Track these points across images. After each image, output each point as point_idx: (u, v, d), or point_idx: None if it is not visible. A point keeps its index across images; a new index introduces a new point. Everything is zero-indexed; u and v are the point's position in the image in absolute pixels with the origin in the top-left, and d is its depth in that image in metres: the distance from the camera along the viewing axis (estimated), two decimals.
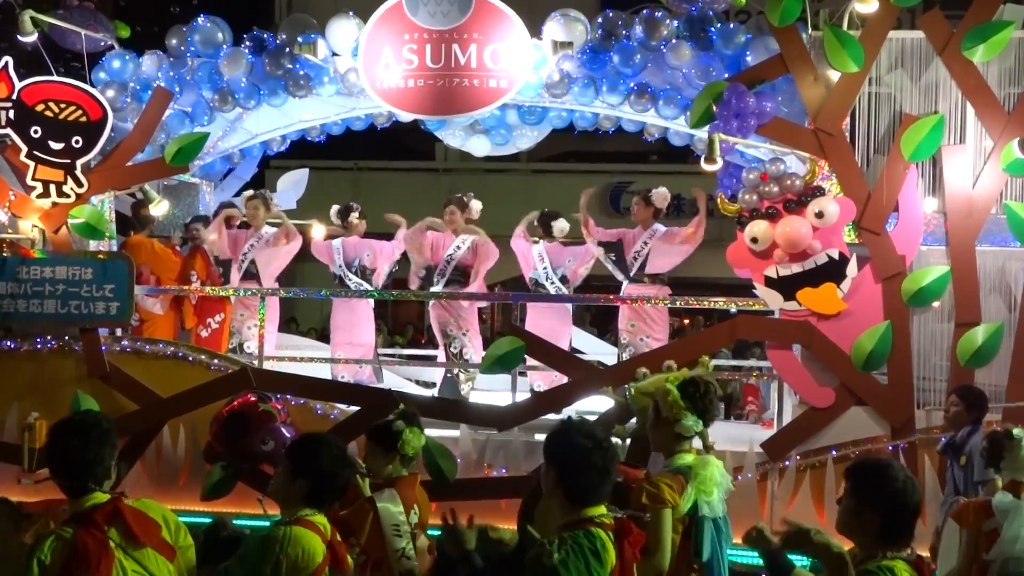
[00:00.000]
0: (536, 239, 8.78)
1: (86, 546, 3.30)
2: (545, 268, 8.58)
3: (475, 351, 8.43)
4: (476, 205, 8.76)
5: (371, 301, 8.87)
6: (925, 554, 6.05)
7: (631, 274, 8.25)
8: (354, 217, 8.95)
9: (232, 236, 8.88)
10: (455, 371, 8.44)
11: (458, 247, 8.56)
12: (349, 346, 8.72)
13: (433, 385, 8.83)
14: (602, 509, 3.28)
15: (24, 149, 7.43)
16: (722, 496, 4.29)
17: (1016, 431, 5.11)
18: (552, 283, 8.56)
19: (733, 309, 7.38)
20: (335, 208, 9.11)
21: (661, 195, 8.28)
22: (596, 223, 8.69)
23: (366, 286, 8.77)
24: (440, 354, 8.69)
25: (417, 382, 9.14)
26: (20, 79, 7.48)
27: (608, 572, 3.14)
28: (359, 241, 8.94)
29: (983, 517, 5.06)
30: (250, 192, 9.16)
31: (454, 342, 8.47)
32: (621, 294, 8.30)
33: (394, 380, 8.93)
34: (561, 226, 8.70)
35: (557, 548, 3.07)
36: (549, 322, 8.39)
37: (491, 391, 8.41)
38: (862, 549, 3.14)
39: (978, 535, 5.05)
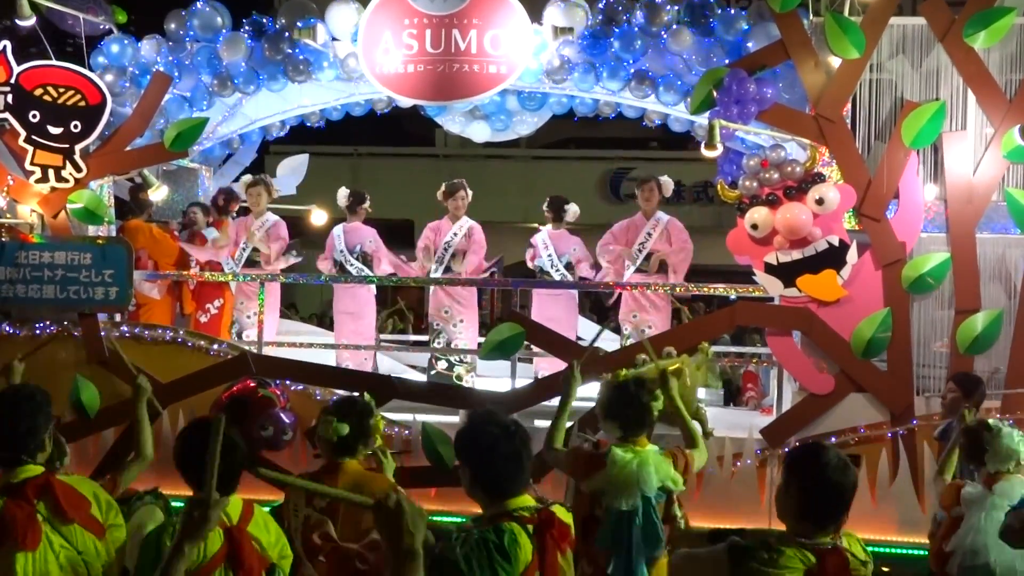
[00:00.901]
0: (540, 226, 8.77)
1: (14, 517, 3.29)
2: (550, 255, 8.54)
3: (469, 341, 8.40)
4: (463, 193, 8.68)
5: (373, 288, 8.85)
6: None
7: (637, 264, 8.21)
8: (365, 206, 8.93)
9: (233, 223, 8.86)
10: (442, 366, 8.38)
11: (455, 234, 8.53)
12: (355, 334, 8.70)
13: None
14: (526, 500, 3.14)
15: (22, 134, 7.39)
16: (644, 496, 4.26)
17: (992, 422, 5.00)
18: (557, 270, 8.52)
19: (733, 296, 7.38)
20: (344, 191, 9.05)
21: (668, 184, 8.29)
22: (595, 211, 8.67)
23: (367, 272, 8.75)
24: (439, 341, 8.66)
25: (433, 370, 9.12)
26: (18, 63, 7.45)
27: (520, 568, 3.01)
28: (361, 227, 8.92)
29: (955, 502, 4.95)
30: (249, 177, 9.12)
31: (439, 336, 8.40)
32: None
33: (393, 366, 8.92)
34: (574, 210, 8.69)
35: (460, 543, 2.96)
36: (556, 310, 8.38)
37: (491, 377, 8.41)
38: (788, 530, 3.12)
39: (950, 520, 5.00)
